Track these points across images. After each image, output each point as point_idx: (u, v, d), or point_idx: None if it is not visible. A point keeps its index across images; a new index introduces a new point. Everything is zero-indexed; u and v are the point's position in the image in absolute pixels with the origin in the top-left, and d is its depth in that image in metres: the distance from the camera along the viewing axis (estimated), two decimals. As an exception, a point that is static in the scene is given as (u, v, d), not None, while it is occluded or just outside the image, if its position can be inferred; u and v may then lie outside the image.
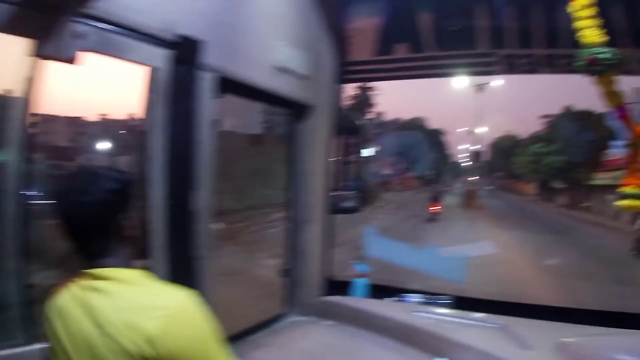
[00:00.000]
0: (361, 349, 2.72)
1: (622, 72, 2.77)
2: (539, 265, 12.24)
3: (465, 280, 3.12)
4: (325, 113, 3.06)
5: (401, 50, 3.32)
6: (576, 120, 27.98)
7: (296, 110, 2.88)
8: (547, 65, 3.53)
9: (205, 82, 2.08)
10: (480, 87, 35.39)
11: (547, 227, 22.02)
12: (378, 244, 3.34)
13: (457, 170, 57.37)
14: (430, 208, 20.76)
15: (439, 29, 3.04)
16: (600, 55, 2.55)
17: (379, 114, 46.32)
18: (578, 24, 2.58)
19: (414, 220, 19.18)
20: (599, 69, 2.58)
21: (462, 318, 2.80)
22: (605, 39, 2.56)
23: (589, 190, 27.32)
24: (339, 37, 3.04)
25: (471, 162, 52.08)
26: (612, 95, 2.77)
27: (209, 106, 2.10)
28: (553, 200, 37.19)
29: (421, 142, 41.51)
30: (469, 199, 30.12)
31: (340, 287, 3.20)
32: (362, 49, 3.24)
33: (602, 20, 2.56)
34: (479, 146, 49.04)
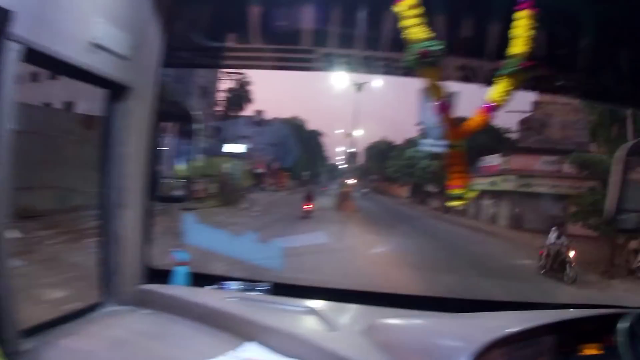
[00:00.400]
0: (174, 335, 2.87)
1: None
2: (383, 258, 13.24)
3: (284, 267, 3.41)
4: (147, 96, 3.14)
5: (231, 39, 3.56)
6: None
7: (113, 90, 2.93)
8: (365, 67, 3.98)
9: (11, 54, 2.06)
10: (358, 87, 36.71)
11: (408, 225, 23.86)
12: (199, 232, 3.50)
13: (333, 172, 59.27)
14: (304, 206, 22.18)
15: (266, 23, 3.31)
16: (432, 48, 2.92)
17: (258, 112, 46.56)
18: (405, 22, 2.94)
19: (281, 223, 19.66)
20: (430, 61, 2.96)
21: (275, 303, 3.05)
22: (431, 34, 2.94)
23: (465, 195, 29.52)
24: (168, 20, 3.15)
25: (347, 164, 53.89)
26: (436, 89, 3.19)
27: (12, 78, 2.09)
28: (427, 203, 39.80)
29: (296, 141, 42.22)
30: (343, 200, 31.36)
31: (160, 275, 3.33)
32: (192, 35, 3.42)
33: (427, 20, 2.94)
34: (354, 148, 50.89)
